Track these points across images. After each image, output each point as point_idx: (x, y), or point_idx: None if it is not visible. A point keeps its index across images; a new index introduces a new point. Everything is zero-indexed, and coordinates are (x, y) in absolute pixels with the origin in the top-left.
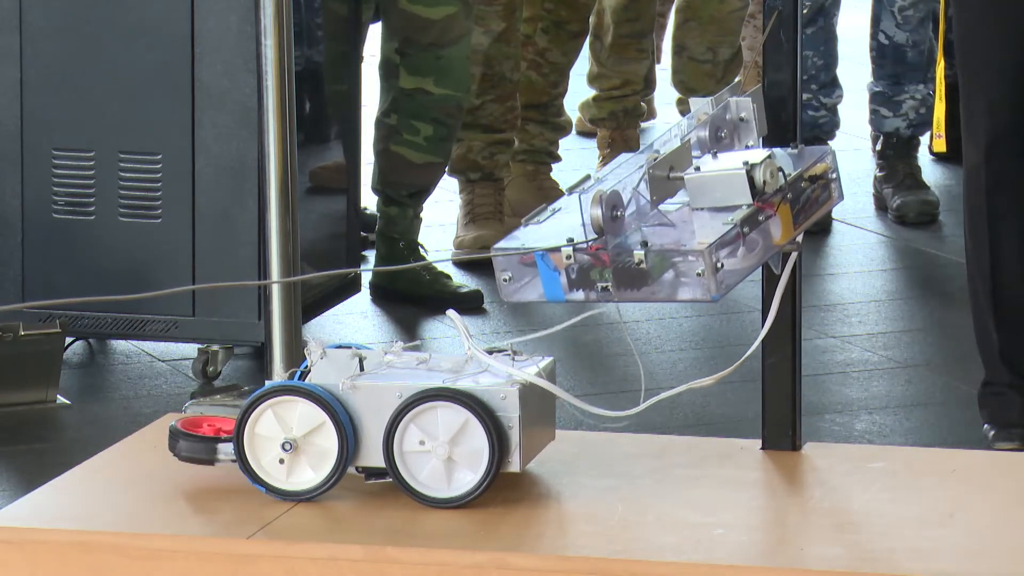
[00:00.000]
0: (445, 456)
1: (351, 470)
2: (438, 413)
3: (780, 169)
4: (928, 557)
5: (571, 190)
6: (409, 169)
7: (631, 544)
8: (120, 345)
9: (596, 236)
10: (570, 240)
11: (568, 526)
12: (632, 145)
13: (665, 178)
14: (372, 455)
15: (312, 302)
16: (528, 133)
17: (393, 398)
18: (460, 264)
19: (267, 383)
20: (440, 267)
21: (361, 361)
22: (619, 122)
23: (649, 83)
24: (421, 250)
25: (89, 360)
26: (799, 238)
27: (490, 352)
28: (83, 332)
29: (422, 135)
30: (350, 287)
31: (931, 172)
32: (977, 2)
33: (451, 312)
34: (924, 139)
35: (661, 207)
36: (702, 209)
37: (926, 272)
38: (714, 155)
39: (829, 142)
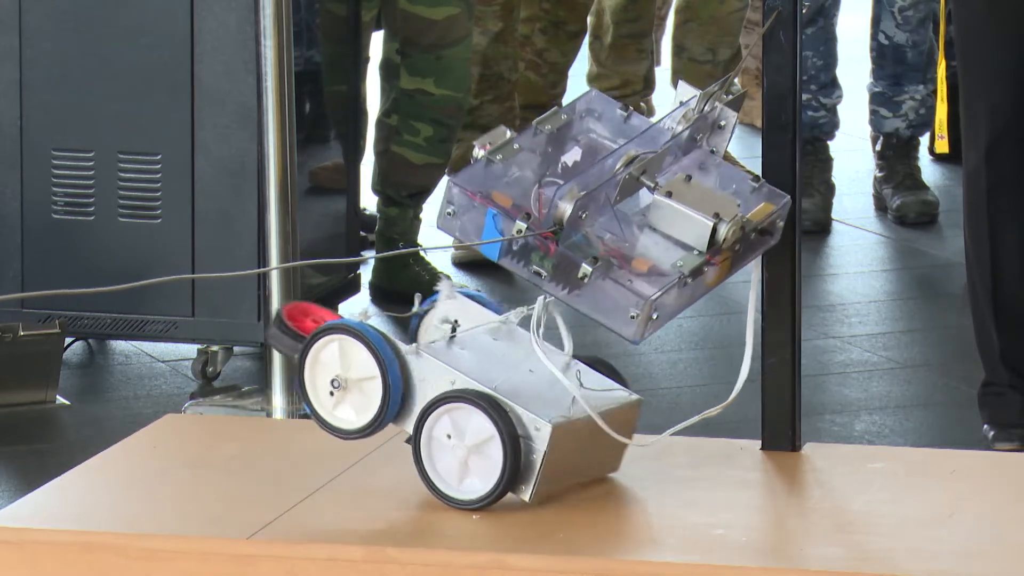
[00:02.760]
0: (463, 458)
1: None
2: (471, 416)
3: (742, 227)
4: (928, 557)
5: (538, 123)
6: (409, 170)
7: (631, 544)
8: (120, 345)
9: (555, 228)
10: (527, 216)
11: (568, 526)
12: None
13: (636, 180)
14: (411, 424)
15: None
16: None
17: (445, 383)
18: (459, 264)
19: (345, 318)
20: (438, 268)
21: (454, 327)
22: None
23: (649, 83)
24: (420, 251)
25: (89, 360)
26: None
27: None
28: (82, 332)
29: (422, 136)
30: (349, 287)
31: (931, 172)
32: (977, 3)
33: (560, 321)
34: (924, 139)
35: (620, 210)
36: (658, 233)
37: (926, 272)
38: (687, 178)
39: (829, 142)
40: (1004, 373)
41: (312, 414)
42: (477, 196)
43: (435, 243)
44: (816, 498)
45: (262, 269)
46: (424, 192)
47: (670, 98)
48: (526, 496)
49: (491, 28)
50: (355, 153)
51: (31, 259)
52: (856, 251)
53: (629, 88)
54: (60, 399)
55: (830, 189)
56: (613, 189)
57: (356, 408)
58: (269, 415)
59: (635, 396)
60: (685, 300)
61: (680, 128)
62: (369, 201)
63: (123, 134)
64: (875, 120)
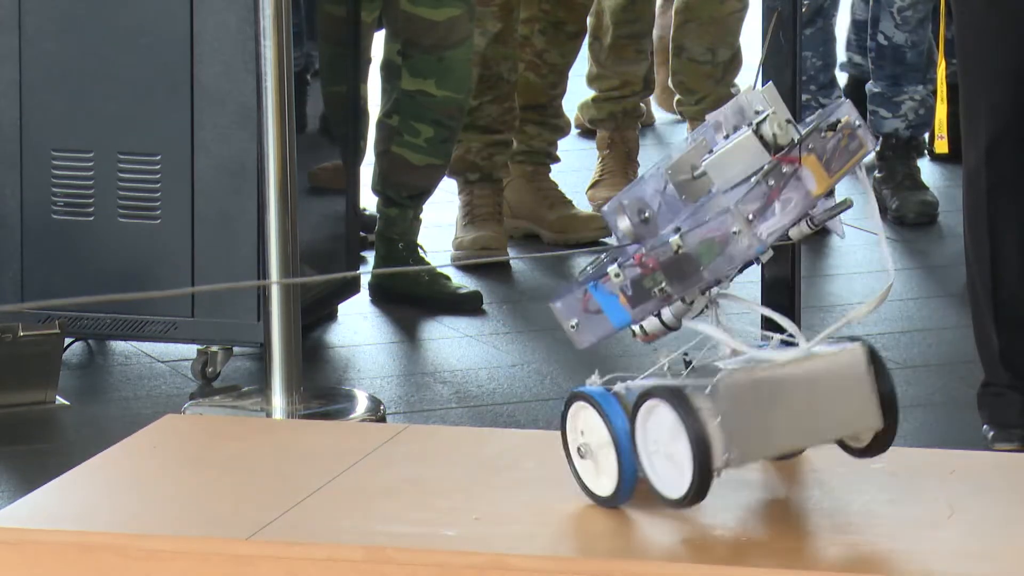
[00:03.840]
0: (669, 455)
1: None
2: (659, 410)
3: (789, 121)
4: (927, 558)
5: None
6: (409, 170)
7: (630, 544)
8: (119, 346)
9: (631, 242)
10: (613, 260)
11: (568, 527)
12: (631, 146)
13: (690, 178)
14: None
15: (311, 303)
16: (527, 134)
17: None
18: (458, 266)
19: (580, 388)
20: (438, 268)
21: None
22: (618, 123)
23: (648, 84)
24: (420, 251)
25: (88, 361)
26: (844, 199)
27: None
28: (82, 333)
29: (423, 137)
30: (349, 288)
31: (930, 173)
32: (977, 3)
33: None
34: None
35: (694, 205)
36: (732, 189)
37: (925, 273)
38: (726, 137)
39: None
40: (1004, 374)
41: (577, 481)
42: (574, 291)
43: (435, 243)
44: (815, 498)
45: (261, 282)
46: (424, 193)
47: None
48: (726, 466)
49: (490, 29)
50: (355, 153)
51: (31, 259)
52: (855, 252)
53: (628, 89)
54: (60, 399)
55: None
56: (668, 192)
57: (606, 475)
58: (269, 415)
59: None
60: (795, 211)
61: (712, 124)
62: (369, 201)
63: (123, 134)
64: (874, 121)
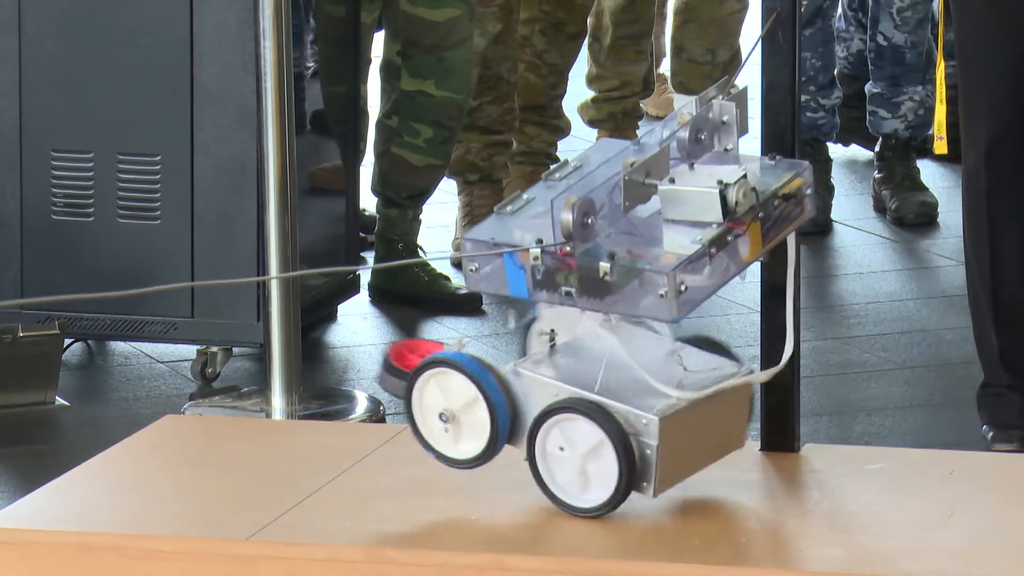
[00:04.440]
0: (580, 467)
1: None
2: (578, 424)
3: (753, 189)
4: (927, 558)
5: (548, 176)
6: (409, 171)
7: (629, 545)
8: (119, 346)
9: (565, 241)
10: (539, 241)
11: (567, 527)
12: None
13: (640, 184)
14: (519, 440)
15: (311, 304)
16: (526, 135)
17: (548, 396)
18: (459, 265)
19: (441, 353)
20: (439, 268)
21: (552, 336)
22: (618, 123)
23: (648, 84)
24: (420, 252)
25: (88, 361)
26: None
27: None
28: (82, 333)
29: (422, 137)
30: (349, 288)
31: (930, 173)
32: (977, 3)
33: None
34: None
35: (633, 212)
36: (673, 222)
37: (924, 273)
38: (691, 166)
39: (828, 144)
40: (1003, 374)
41: (433, 453)
42: (492, 243)
43: (434, 244)
44: (815, 499)
45: (262, 278)
46: (424, 193)
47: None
48: (649, 493)
49: (490, 29)
50: (355, 154)
51: (30, 260)
52: (855, 252)
53: (628, 89)
54: (59, 400)
55: (829, 190)
56: (616, 193)
57: (472, 437)
58: (268, 416)
59: (744, 367)
60: (720, 276)
61: (677, 129)
62: (369, 202)
63: (122, 135)
64: (874, 121)
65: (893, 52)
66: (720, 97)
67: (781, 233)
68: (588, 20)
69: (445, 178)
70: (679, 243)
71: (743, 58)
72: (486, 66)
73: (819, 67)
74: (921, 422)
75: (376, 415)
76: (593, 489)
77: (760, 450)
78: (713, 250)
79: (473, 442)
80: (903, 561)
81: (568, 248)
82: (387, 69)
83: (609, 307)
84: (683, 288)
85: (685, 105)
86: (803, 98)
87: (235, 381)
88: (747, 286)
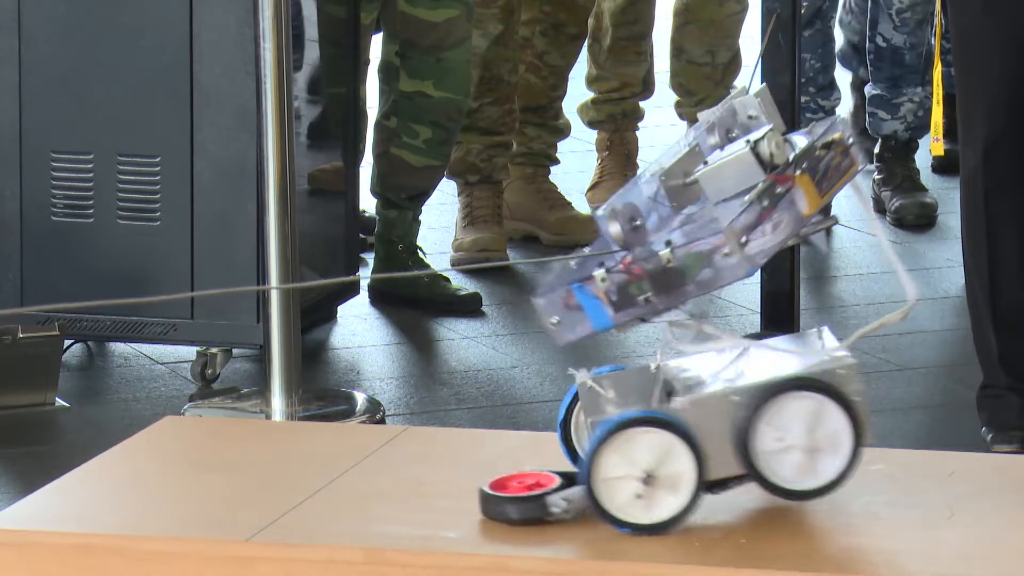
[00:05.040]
0: (808, 447)
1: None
2: (792, 405)
3: (786, 140)
4: (927, 559)
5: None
6: (408, 172)
7: (629, 548)
8: (119, 348)
9: (620, 248)
10: (600, 264)
11: (567, 529)
12: (631, 148)
13: (681, 184)
14: (721, 467)
15: (310, 305)
16: (527, 136)
17: (726, 405)
18: (459, 267)
19: (604, 423)
20: (438, 269)
21: (661, 379)
22: (617, 124)
23: (648, 86)
24: (420, 253)
25: (88, 363)
26: (831, 213)
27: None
28: (82, 335)
29: (421, 138)
30: (349, 289)
31: (929, 175)
32: (974, 4)
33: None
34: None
35: (683, 216)
36: (723, 203)
37: (924, 275)
38: (722, 148)
39: None
40: (1002, 376)
41: (629, 529)
42: (557, 289)
43: (434, 245)
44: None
45: (261, 287)
46: (423, 194)
47: (668, 101)
48: (867, 442)
49: (491, 31)
50: (354, 155)
51: (30, 261)
52: (854, 253)
53: (628, 90)
54: (59, 401)
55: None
56: (661, 198)
57: (670, 491)
58: (268, 417)
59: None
60: (785, 231)
61: (705, 127)
62: (368, 203)
63: (122, 136)
64: (873, 122)
65: (892, 53)
66: (738, 97)
67: (837, 184)
68: (588, 21)
69: (445, 179)
70: (733, 214)
71: (744, 62)
72: (487, 67)
73: (818, 68)
74: (921, 423)
75: (376, 417)
76: (824, 462)
77: None
78: (764, 203)
79: (670, 499)
80: (903, 562)
81: (630, 257)
82: (386, 70)
83: (689, 295)
84: (744, 240)
85: (709, 113)
86: (802, 99)
87: (235, 382)
88: (747, 287)
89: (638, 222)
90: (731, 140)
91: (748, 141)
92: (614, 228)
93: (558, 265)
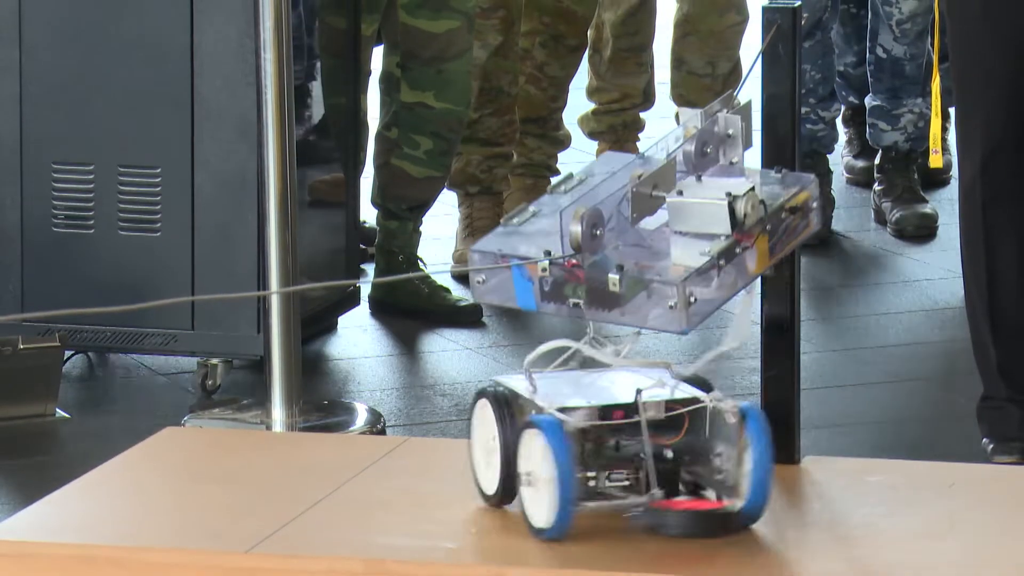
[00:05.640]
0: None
1: None
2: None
3: (762, 201)
4: (927, 570)
5: (552, 189)
6: (409, 183)
7: (629, 557)
8: (119, 359)
9: (573, 252)
10: (547, 253)
11: (565, 539)
12: None
13: (648, 196)
14: None
15: (311, 316)
16: (527, 147)
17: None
18: (459, 277)
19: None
20: (439, 280)
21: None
22: (618, 135)
23: (648, 96)
24: (420, 264)
25: (88, 374)
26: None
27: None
28: (82, 346)
29: (422, 149)
30: (349, 300)
31: (930, 186)
32: (972, 15)
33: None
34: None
35: (641, 224)
36: (681, 234)
37: (924, 286)
38: (698, 178)
39: (828, 155)
40: (1002, 387)
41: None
42: (499, 255)
43: (435, 256)
44: (815, 511)
45: (262, 292)
46: (424, 205)
47: (669, 112)
48: None
49: (491, 42)
50: (355, 166)
51: (31, 272)
52: (855, 264)
53: (628, 101)
54: (60, 412)
55: (829, 202)
56: (624, 206)
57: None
58: (268, 428)
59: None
60: (729, 288)
61: (683, 141)
62: (369, 214)
63: (123, 148)
64: (873, 134)
65: (892, 64)
66: (725, 110)
67: (788, 246)
68: (588, 32)
69: (445, 190)
70: (687, 255)
71: (743, 71)
72: (487, 78)
73: (819, 79)
74: (921, 434)
75: (376, 428)
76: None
77: None
78: (722, 262)
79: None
80: (903, 573)
81: (577, 260)
82: (386, 81)
83: (617, 319)
84: (692, 300)
85: (690, 118)
86: (803, 110)
87: (235, 393)
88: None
89: (598, 231)
90: (705, 154)
91: (728, 194)
92: (574, 229)
93: (500, 229)
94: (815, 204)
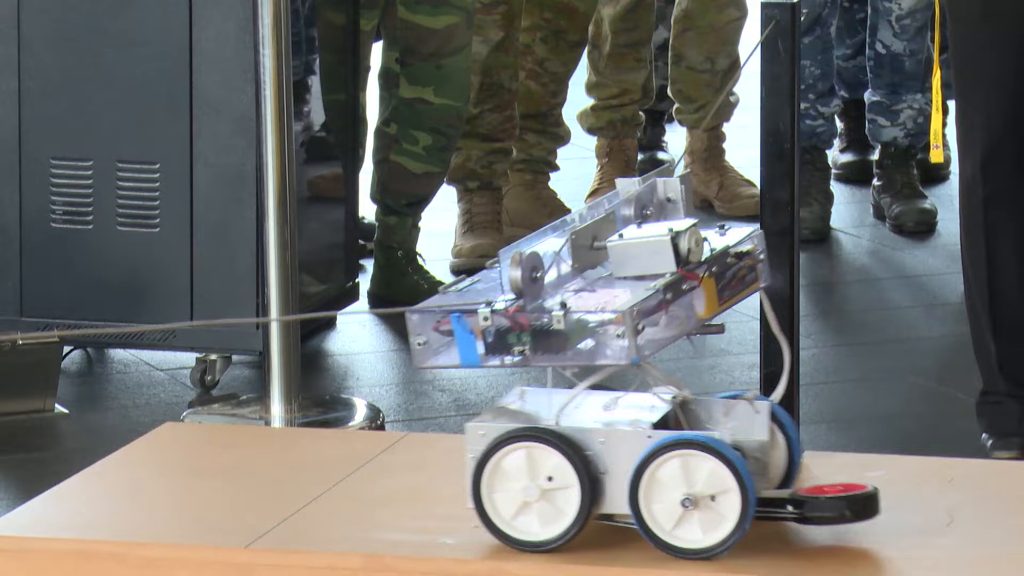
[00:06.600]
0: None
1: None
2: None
3: (705, 239)
4: (927, 566)
5: (492, 263)
6: (408, 179)
7: (628, 552)
8: (118, 354)
9: (514, 298)
10: (488, 303)
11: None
12: (630, 154)
13: (588, 247)
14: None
15: (309, 312)
16: (526, 142)
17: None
18: (458, 273)
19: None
20: (438, 276)
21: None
22: (617, 131)
23: (647, 92)
24: (419, 259)
25: (87, 369)
26: (719, 324)
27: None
28: (81, 341)
29: (421, 144)
30: (348, 295)
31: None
32: (973, 14)
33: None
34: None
35: (585, 277)
36: (625, 279)
37: (923, 281)
38: (639, 225)
39: (827, 151)
40: (1002, 382)
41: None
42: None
43: (434, 251)
44: None
45: (263, 319)
46: (423, 201)
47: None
48: None
49: (492, 37)
50: (354, 162)
51: (30, 268)
52: (854, 260)
53: (627, 97)
54: (59, 407)
55: (828, 198)
56: (560, 248)
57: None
58: (267, 423)
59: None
60: (678, 326)
61: (620, 201)
62: (368, 210)
63: (122, 143)
64: (873, 129)
65: (892, 60)
66: (664, 177)
67: (736, 296)
68: (588, 28)
69: (445, 185)
70: (633, 296)
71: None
72: (487, 74)
73: (818, 75)
74: (920, 429)
75: (375, 423)
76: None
77: None
78: (668, 296)
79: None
80: (902, 569)
81: (519, 305)
82: (386, 77)
83: (564, 361)
84: (641, 328)
85: (628, 184)
86: (802, 106)
87: (234, 389)
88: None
89: (537, 274)
90: (645, 217)
91: (671, 230)
92: (514, 273)
93: (440, 295)
94: (763, 256)
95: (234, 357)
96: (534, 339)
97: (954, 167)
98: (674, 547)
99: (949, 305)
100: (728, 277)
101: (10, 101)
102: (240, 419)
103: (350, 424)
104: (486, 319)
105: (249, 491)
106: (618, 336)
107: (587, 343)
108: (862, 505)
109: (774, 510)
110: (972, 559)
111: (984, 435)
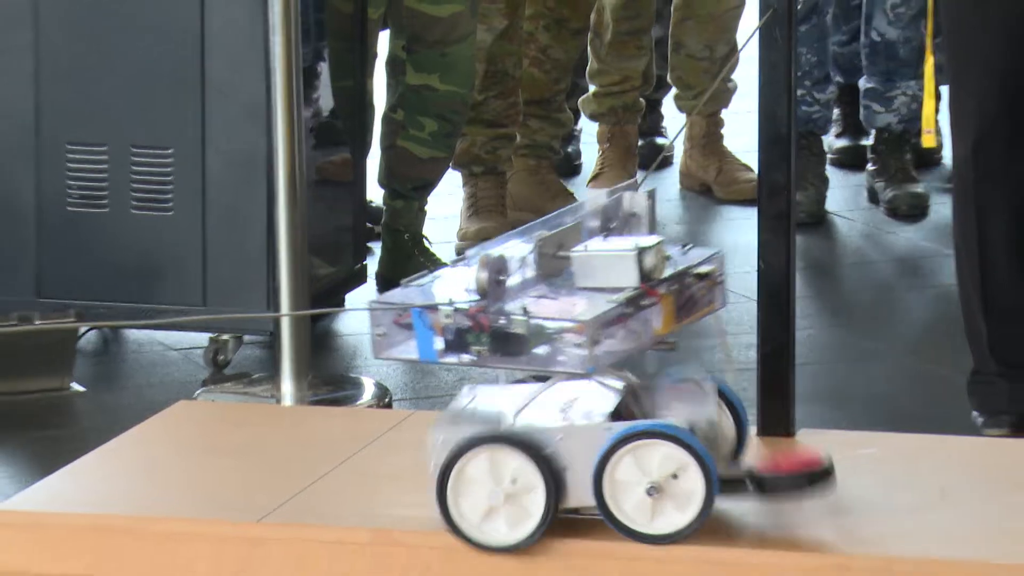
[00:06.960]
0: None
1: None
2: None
3: (669, 257)
4: (919, 541)
5: (455, 262)
6: (414, 164)
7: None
8: (133, 334)
9: (478, 298)
10: (451, 301)
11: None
12: (631, 140)
13: (552, 256)
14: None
15: (319, 293)
16: (530, 128)
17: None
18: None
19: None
20: (444, 259)
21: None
22: (618, 118)
23: (648, 79)
24: (425, 242)
25: (103, 349)
26: (672, 342)
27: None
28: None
29: (427, 130)
30: (356, 278)
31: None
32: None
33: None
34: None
35: (548, 285)
36: (587, 289)
37: (916, 263)
38: (604, 237)
39: (823, 137)
40: (992, 362)
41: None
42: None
43: (440, 234)
44: None
45: (274, 314)
46: (429, 185)
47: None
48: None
49: (497, 25)
50: (362, 147)
51: (46, 251)
52: (848, 243)
53: (628, 84)
54: (75, 386)
55: (824, 182)
56: (533, 259)
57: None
58: (279, 402)
59: None
60: (635, 340)
61: (587, 212)
62: (376, 194)
63: (136, 128)
64: (867, 115)
65: (887, 47)
66: (631, 191)
67: (692, 316)
68: (590, 16)
69: (450, 170)
70: (594, 307)
71: (741, 56)
72: (492, 61)
73: (814, 62)
74: (913, 408)
75: (383, 402)
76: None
77: (757, 435)
78: (628, 310)
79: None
80: (895, 544)
81: (481, 306)
82: (392, 64)
83: (520, 364)
84: (599, 339)
85: (596, 196)
86: (799, 92)
87: (246, 368)
88: (744, 275)
89: (502, 277)
90: (609, 229)
91: (637, 246)
92: (480, 275)
93: (402, 288)
94: (721, 279)
95: (246, 337)
96: (493, 340)
97: (946, 152)
98: (645, 535)
99: (941, 287)
100: (686, 297)
101: (27, 86)
102: (252, 397)
103: (359, 403)
104: (447, 316)
105: (261, 467)
106: (576, 345)
107: (544, 349)
108: (815, 479)
109: (734, 487)
110: (963, 535)
111: (975, 413)
